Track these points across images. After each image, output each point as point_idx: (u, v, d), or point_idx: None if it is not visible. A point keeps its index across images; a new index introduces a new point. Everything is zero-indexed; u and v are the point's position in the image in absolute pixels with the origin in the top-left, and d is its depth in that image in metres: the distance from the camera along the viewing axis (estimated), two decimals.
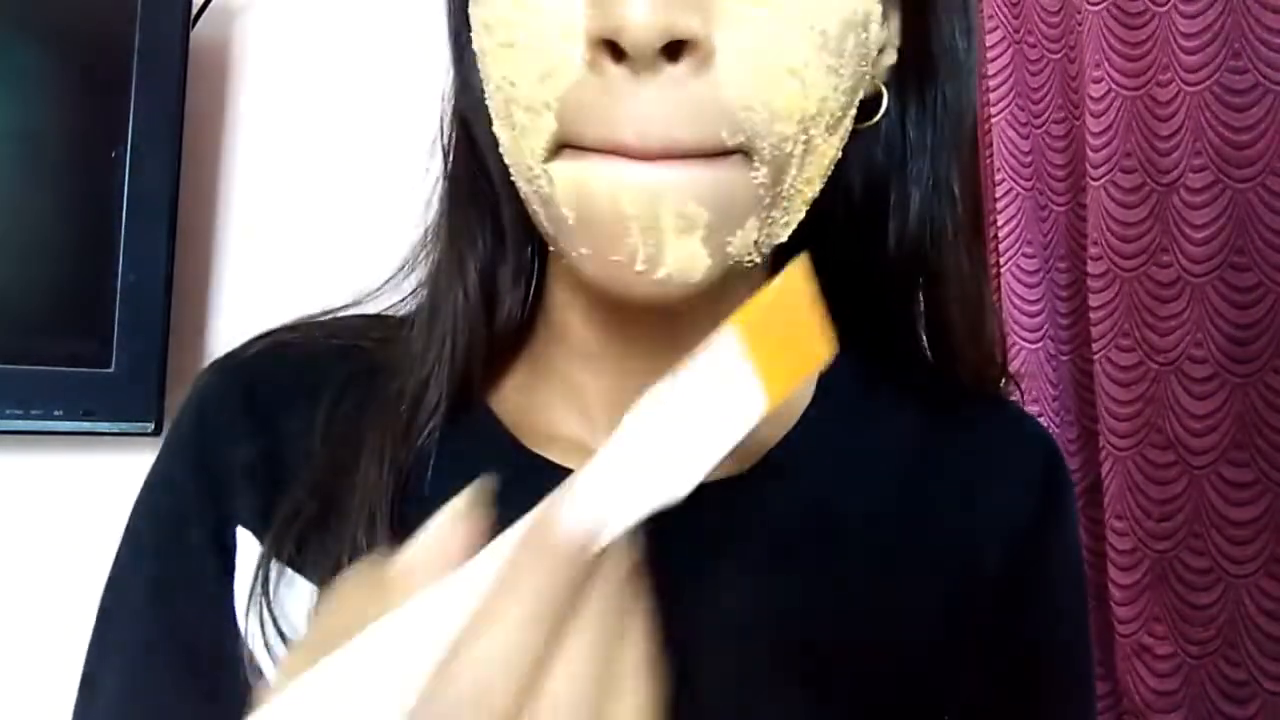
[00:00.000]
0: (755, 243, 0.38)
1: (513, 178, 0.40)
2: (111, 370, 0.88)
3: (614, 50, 0.34)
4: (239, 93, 1.04)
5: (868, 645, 0.45)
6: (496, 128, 0.39)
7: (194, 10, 0.94)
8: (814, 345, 0.29)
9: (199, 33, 0.96)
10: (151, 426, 0.89)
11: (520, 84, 0.36)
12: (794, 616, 0.45)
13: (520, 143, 0.37)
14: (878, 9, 0.39)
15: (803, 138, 0.36)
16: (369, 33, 1.07)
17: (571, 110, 0.35)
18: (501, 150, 0.40)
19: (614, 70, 0.34)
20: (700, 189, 0.35)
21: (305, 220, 1.04)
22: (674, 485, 0.24)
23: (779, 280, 0.29)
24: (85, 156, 0.89)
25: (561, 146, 0.36)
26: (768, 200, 0.37)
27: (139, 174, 0.89)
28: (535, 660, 0.25)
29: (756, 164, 0.36)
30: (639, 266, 0.36)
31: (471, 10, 0.39)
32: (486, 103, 0.40)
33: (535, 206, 0.39)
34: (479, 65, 0.40)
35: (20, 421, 0.86)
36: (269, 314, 0.51)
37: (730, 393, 0.25)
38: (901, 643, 0.46)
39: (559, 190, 0.37)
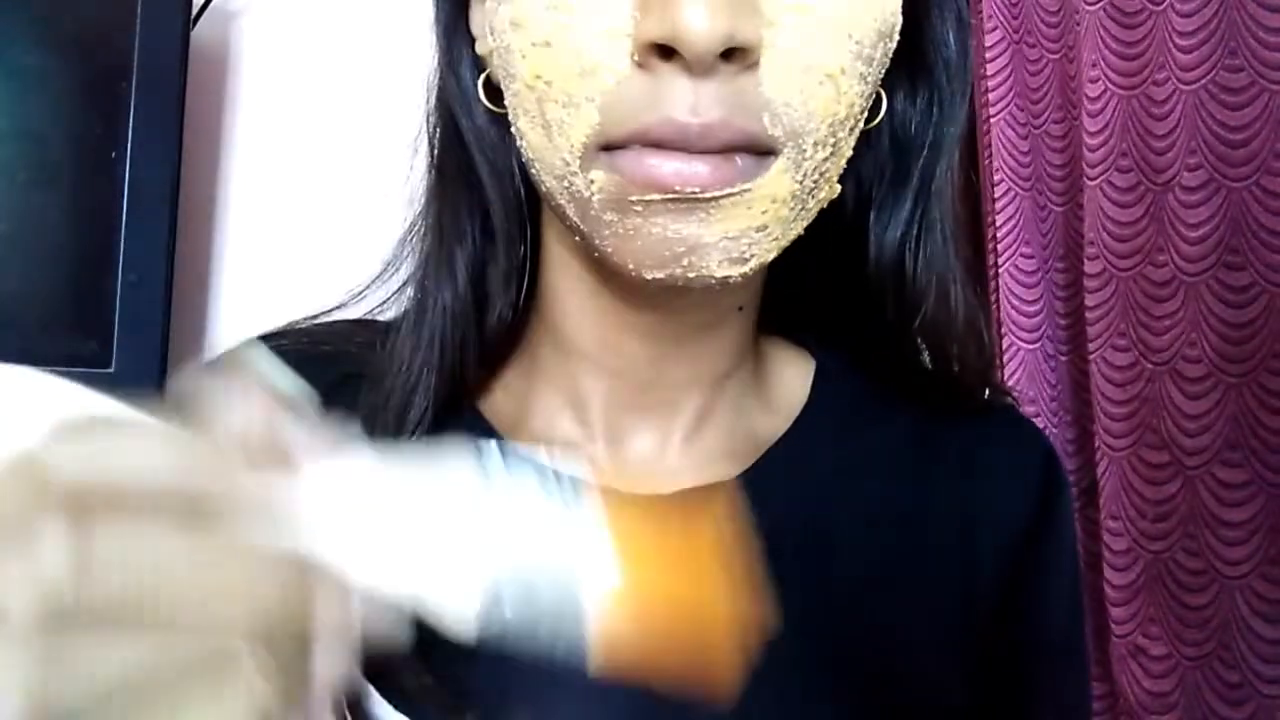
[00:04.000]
0: (775, 240, 0.39)
1: (534, 175, 0.40)
2: (111, 370, 0.88)
3: (664, 51, 0.34)
4: (239, 93, 1.04)
5: (863, 647, 0.45)
6: (522, 125, 0.39)
7: (194, 10, 0.95)
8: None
9: (199, 33, 0.96)
10: None
11: (557, 81, 0.36)
12: (790, 618, 0.44)
13: (554, 139, 0.37)
14: (900, 19, 0.40)
15: (831, 140, 0.37)
16: (368, 33, 1.07)
17: (617, 103, 0.35)
18: (522, 147, 0.40)
19: (665, 67, 0.35)
20: (742, 222, 0.36)
21: (305, 220, 1.04)
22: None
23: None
24: (85, 156, 0.89)
25: (600, 146, 0.36)
26: (798, 204, 0.38)
27: (139, 174, 0.89)
28: None
29: (794, 167, 0.37)
30: (677, 271, 0.37)
31: (494, 7, 0.39)
32: (514, 102, 0.40)
33: (561, 201, 0.39)
34: (502, 64, 0.40)
35: None
36: (269, 314, 0.50)
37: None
38: (897, 644, 0.46)
39: (599, 197, 0.37)
